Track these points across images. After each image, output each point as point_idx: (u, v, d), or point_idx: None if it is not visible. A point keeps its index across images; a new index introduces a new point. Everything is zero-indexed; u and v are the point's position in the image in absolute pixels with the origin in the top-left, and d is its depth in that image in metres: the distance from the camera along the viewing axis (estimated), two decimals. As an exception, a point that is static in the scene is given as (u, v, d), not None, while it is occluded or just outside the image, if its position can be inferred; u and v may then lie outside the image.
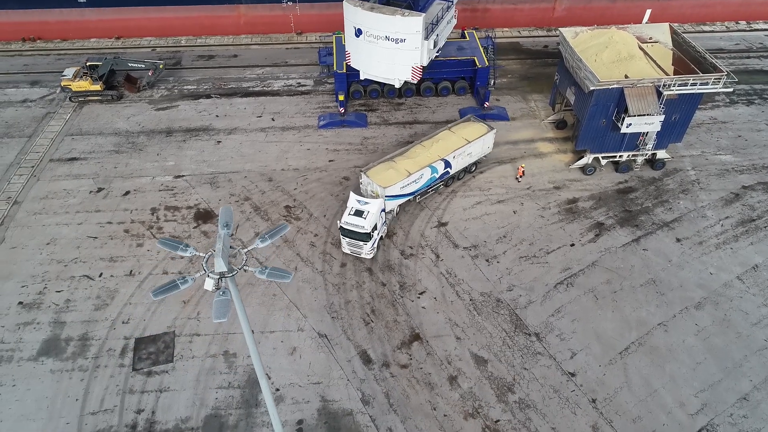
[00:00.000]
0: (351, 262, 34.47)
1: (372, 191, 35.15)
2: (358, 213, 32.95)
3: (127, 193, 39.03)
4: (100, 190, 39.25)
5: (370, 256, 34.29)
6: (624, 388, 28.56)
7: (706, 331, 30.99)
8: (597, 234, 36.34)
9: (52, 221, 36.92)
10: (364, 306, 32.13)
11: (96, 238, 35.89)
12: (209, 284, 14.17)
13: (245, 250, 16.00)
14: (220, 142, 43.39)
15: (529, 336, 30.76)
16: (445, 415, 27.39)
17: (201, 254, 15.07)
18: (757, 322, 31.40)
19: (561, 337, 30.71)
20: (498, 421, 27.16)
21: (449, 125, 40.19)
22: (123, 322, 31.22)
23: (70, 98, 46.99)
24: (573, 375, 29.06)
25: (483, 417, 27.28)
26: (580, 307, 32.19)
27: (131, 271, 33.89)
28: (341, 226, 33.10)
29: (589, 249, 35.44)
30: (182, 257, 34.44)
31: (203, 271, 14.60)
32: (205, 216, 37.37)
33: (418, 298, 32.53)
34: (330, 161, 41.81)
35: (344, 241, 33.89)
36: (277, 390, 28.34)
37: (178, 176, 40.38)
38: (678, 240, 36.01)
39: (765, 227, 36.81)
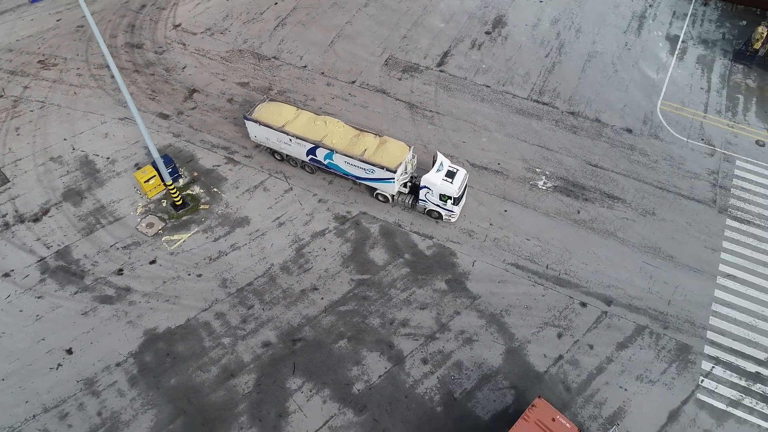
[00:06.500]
0: (120, 72, 41.75)
1: (409, 161, 32.66)
2: (451, 174, 31.61)
3: None
4: None
5: None
6: (338, 61, 42.85)
7: (375, 16, 46.54)
8: (290, -8, 49.08)
9: None
10: (145, 91, 40.63)
11: None
12: None
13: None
14: (-62, 43, 44.64)
15: (269, 59, 42.93)
16: (234, 118, 38.77)
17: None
18: (404, 12, 47.88)
19: (289, 51, 43.51)
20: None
21: (271, 124, 33.83)
22: (-56, 181, 35.34)
23: None
24: (305, 67, 42.37)
25: (259, 108, 39.36)
26: (295, 33, 45.08)
27: (-77, 152, 36.93)
28: (457, 197, 31.41)
29: (289, 2, 47.99)
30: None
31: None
32: (-34, 94, 40.65)
33: (183, 70, 42.07)
34: (58, 20, 46.57)
35: (457, 209, 32.33)
36: (108, 158, 36.51)
37: None
38: (342, -24, 50.51)
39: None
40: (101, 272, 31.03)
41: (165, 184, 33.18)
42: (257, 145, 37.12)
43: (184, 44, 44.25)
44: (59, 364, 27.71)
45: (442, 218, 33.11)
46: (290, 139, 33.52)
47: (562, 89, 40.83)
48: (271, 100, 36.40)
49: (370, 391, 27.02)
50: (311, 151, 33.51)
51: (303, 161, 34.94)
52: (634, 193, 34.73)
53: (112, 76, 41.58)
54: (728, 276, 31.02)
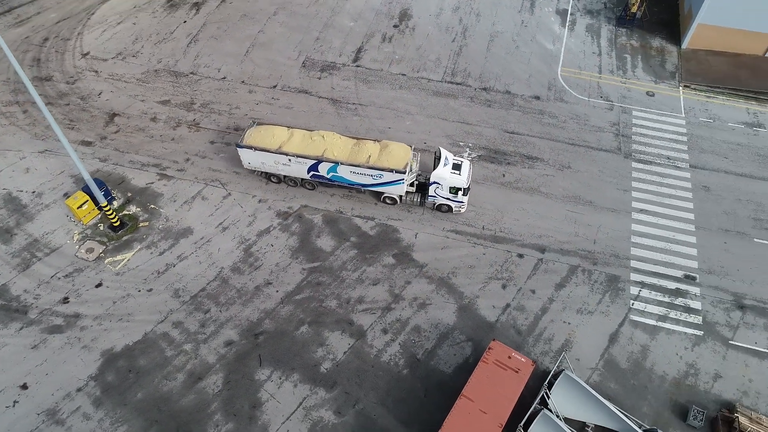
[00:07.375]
0: (32, 107, 40.70)
1: (412, 160, 33.09)
2: (457, 166, 32.66)
3: None
4: None
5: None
6: (256, 68, 43.70)
7: (286, 22, 47.78)
8: (197, 11, 49.32)
9: None
10: (62, 122, 39.74)
11: None
12: None
13: None
14: None
15: (186, 75, 43.14)
16: (160, 135, 38.76)
17: None
18: (314, 16, 49.47)
19: (206, 65, 43.90)
20: (197, 124, 39.73)
21: (267, 148, 33.13)
22: None
23: None
24: (224, 78, 42.97)
25: (186, 125, 39.49)
26: (209, 47, 45.49)
27: None
28: (467, 188, 32.42)
29: (198, 19, 48.35)
30: None
31: None
32: None
33: (99, 96, 41.50)
34: (-45, 63, 44.64)
35: (466, 199, 33.22)
36: (33, 192, 35.50)
37: None
38: (248, -11, 51.51)
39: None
40: (45, 304, 30.24)
41: (100, 208, 32.78)
42: (188, 158, 37.32)
43: (96, 71, 43.61)
44: (15, 401, 26.84)
45: (452, 211, 33.87)
46: (289, 160, 32.94)
47: (471, 69, 43.68)
48: (259, 123, 34.87)
49: (337, 368, 28.02)
50: (313, 168, 33.12)
51: (303, 179, 34.68)
52: (550, 152, 37.81)
53: (24, 111, 40.42)
54: (641, 211, 34.48)
